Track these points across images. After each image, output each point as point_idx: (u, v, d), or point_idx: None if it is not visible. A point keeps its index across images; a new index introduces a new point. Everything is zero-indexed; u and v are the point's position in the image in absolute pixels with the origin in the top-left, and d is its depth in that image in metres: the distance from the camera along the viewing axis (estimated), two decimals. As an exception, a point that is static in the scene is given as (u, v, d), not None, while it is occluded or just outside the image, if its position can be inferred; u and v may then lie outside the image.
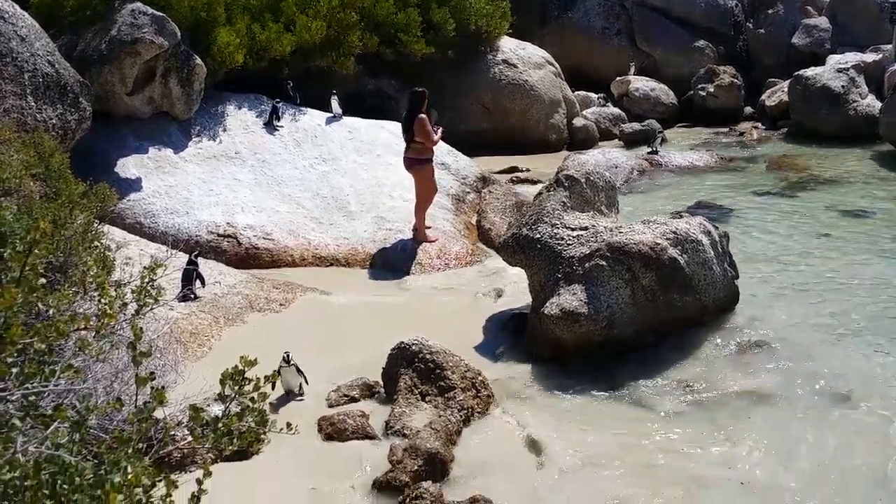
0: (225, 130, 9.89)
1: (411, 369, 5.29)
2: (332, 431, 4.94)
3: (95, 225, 5.12)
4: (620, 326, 5.77)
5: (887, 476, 4.30)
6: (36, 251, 2.14)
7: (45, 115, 7.52)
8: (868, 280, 7.27)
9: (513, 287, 7.17)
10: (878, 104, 14.09)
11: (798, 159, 13.21)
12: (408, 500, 4.13)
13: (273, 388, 4.94)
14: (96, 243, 4.77)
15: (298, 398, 5.36)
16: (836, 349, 5.79)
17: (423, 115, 8.44)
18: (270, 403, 4.82)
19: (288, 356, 5.24)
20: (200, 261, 7.02)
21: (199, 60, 9.42)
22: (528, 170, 12.78)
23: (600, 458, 4.54)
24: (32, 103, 7.43)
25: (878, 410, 4.95)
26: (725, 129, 16.40)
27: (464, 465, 4.49)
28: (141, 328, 2.13)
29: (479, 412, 5.09)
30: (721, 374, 5.48)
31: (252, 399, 2.18)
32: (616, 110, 17.21)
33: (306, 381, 5.40)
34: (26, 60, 7.48)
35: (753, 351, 5.77)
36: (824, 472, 4.36)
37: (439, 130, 8.71)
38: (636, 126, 15.69)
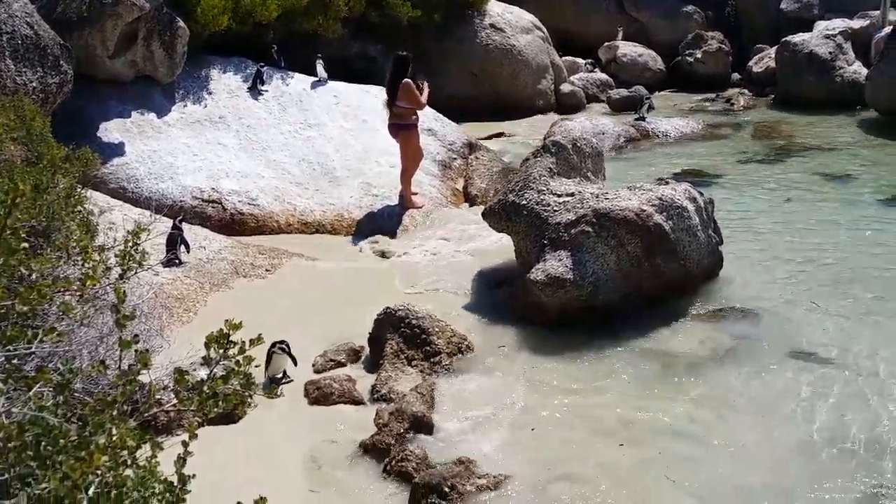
0: (209, 95, 9.77)
1: (397, 334, 5.32)
2: (319, 396, 4.97)
3: (78, 189, 5.07)
4: (605, 292, 5.81)
5: (826, 433, 4.41)
6: (17, 214, 2.12)
7: (25, 77, 7.38)
8: (851, 245, 7.34)
9: (497, 249, 7.18)
10: (865, 71, 14.07)
11: (784, 126, 13.22)
12: (393, 462, 4.19)
13: (267, 365, 4.93)
14: (79, 208, 4.72)
15: (285, 381, 5.17)
16: (815, 314, 5.86)
17: (409, 80, 8.36)
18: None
19: (287, 347, 5.10)
20: (185, 226, 6.98)
21: (181, 23, 9.25)
22: (514, 135, 12.74)
23: (564, 408, 4.75)
24: (11, 66, 7.28)
25: (847, 373, 5.05)
26: (713, 96, 16.34)
27: (448, 426, 4.54)
28: (124, 291, 2.12)
29: (462, 372, 5.14)
30: (697, 338, 5.58)
31: (237, 362, 2.18)
32: (604, 76, 17.09)
33: (294, 364, 5.21)
34: (4, 22, 7.31)
35: (733, 316, 5.85)
36: (768, 432, 4.48)
37: (426, 91, 8.58)
38: (623, 92, 15.61)
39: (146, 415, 2.14)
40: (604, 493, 3.93)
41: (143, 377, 2.11)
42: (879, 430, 4.40)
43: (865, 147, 11.56)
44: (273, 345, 5.05)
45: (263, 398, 4.78)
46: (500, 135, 12.77)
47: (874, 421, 4.50)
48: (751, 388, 4.96)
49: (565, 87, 15.78)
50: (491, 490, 3.93)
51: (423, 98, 8.49)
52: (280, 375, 5.19)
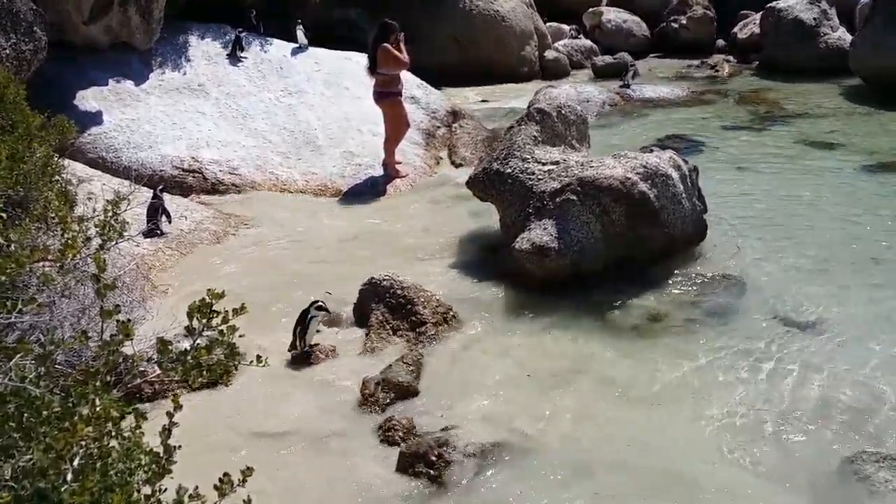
0: (187, 62, 9.60)
1: (382, 304, 5.31)
2: (304, 365, 4.95)
3: (55, 158, 4.97)
4: (589, 260, 5.82)
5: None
6: (-8, 183, 2.07)
7: (-2, 44, 7.20)
8: (832, 212, 7.39)
9: (481, 218, 7.16)
10: (849, 37, 14.06)
11: (768, 93, 13.23)
12: (380, 431, 4.19)
13: (305, 332, 4.82)
14: (57, 177, 4.64)
15: (307, 348, 5.01)
16: (796, 281, 5.90)
17: (387, 45, 8.21)
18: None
19: (323, 305, 4.98)
20: (166, 196, 6.89)
21: (158, -12, 9.06)
22: (498, 103, 12.67)
23: (549, 375, 4.77)
24: (-17, 32, 7.10)
25: (819, 341, 5.05)
26: (697, 63, 16.30)
27: (434, 395, 4.55)
28: (105, 259, 2.08)
29: (448, 341, 5.14)
30: (677, 304, 5.60)
31: (221, 332, 2.15)
32: (588, 43, 17.00)
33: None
34: (-26, -14, 7.11)
35: (715, 283, 5.87)
36: (709, 396, 4.50)
37: (402, 48, 8.28)
38: (608, 59, 15.54)
39: (130, 386, 2.12)
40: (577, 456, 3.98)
41: (126, 348, 2.08)
42: (832, 397, 4.39)
43: (849, 114, 11.60)
44: (309, 308, 4.92)
45: (246, 368, 4.77)
46: (483, 102, 12.70)
47: (828, 387, 4.49)
48: (713, 352, 4.95)
49: (549, 54, 15.67)
50: (476, 457, 3.95)
51: (404, 55, 8.33)
52: (314, 342, 5.01)
